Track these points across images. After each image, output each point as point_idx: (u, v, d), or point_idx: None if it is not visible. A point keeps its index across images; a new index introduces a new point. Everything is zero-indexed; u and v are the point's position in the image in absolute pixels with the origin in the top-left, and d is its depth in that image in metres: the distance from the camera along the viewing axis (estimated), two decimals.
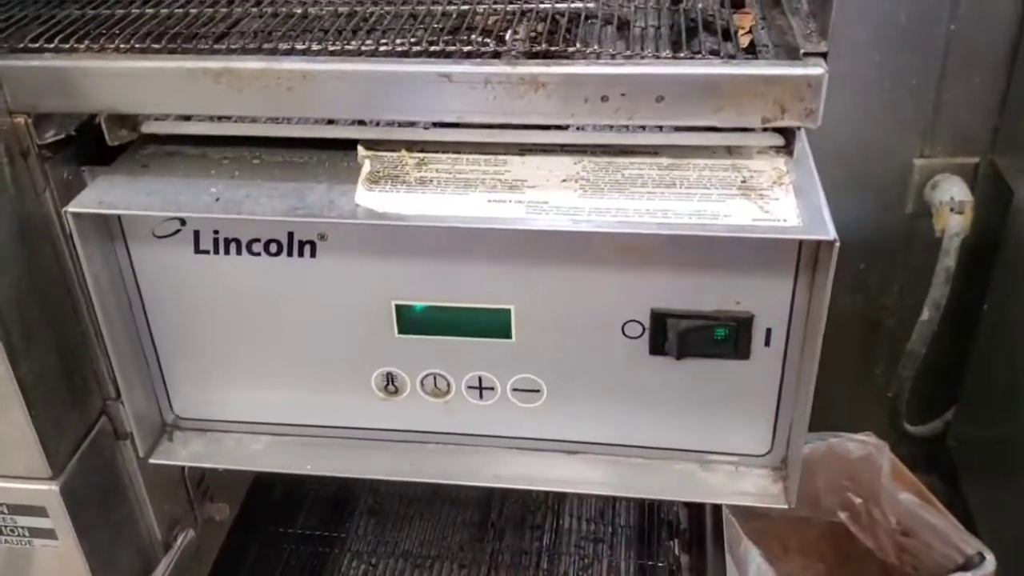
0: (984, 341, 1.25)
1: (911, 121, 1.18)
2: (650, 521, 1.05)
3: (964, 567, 1.09)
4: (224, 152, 0.65)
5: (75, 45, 0.62)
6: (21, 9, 0.69)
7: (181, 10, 0.68)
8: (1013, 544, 1.13)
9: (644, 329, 0.64)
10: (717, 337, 0.63)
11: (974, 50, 1.13)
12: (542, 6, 0.67)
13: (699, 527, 1.02)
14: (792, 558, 1.31)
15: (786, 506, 0.66)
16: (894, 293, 1.30)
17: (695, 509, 1.05)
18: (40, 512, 0.69)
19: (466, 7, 0.66)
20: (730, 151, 0.63)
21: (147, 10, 0.68)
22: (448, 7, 0.67)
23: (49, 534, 0.71)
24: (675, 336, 0.63)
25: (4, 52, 0.62)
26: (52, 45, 0.62)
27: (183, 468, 0.83)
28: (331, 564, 1.00)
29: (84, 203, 0.61)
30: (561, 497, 1.07)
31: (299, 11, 0.67)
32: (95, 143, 0.65)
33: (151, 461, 0.71)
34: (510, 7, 0.66)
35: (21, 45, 0.62)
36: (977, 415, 1.30)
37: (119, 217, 0.64)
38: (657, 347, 0.64)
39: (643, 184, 0.60)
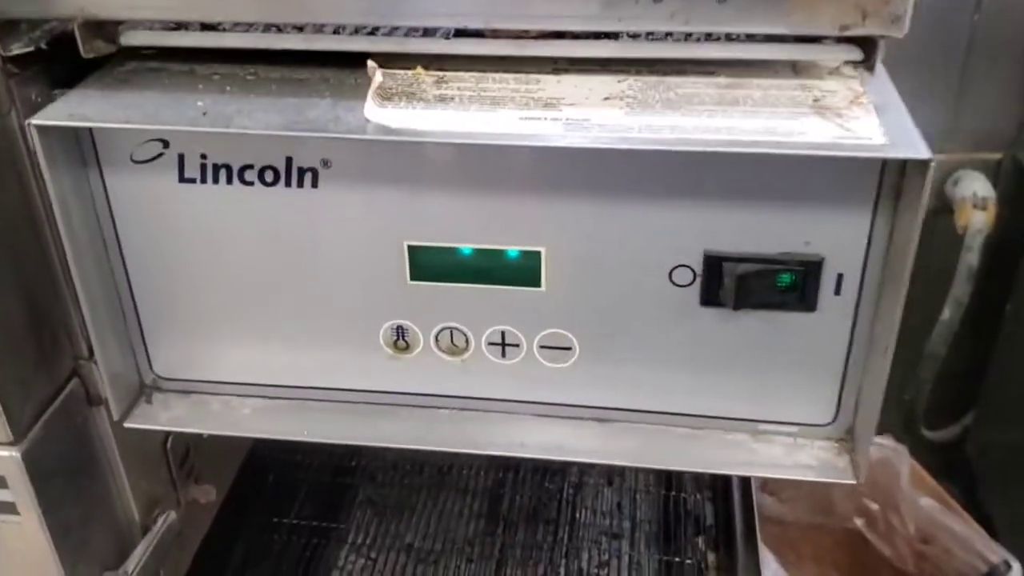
0: (1006, 343, 1.17)
1: (931, 116, 1.11)
2: (674, 515, 0.96)
3: None
4: (214, 68, 0.57)
5: None
6: None
7: None
8: None
9: (695, 275, 0.55)
10: (780, 284, 0.55)
11: (998, 42, 1.07)
12: None
13: (727, 522, 0.93)
14: (806, 566, 1.24)
15: (854, 481, 0.57)
16: (913, 292, 1.23)
17: (722, 503, 0.97)
18: None
19: None
20: (796, 69, 0.55)
21: None
22: None
23: (9, 508, 0.62)
24: (732, 283, 0.54)
25: None
26: None
27: (165, 441, 0.74)
28: (327, 557, 0.91)
29: (52, 115, 0.52)
30: (577, 488, 0.98)
31: None
32: (69, 63, 0.57)
33: (127, 425, 0.63)
34: None
35: None
36: (997, 420, 1.23)
37: (92, 138, 0.56)
38: (710, 296, 0.56)
39: (700, 102, 0.52)
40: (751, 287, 0.55)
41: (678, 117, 0.50)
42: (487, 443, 0.61)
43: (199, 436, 0.78)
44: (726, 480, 0.94)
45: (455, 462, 1.01)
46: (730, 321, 0.56)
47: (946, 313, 1.14)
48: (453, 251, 0.57)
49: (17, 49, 0.55)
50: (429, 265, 0.57)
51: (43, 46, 0.57)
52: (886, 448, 1.14)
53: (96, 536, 0.69)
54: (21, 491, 0.61)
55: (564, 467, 1.00)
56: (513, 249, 0.56)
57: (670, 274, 0.56)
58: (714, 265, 0.55)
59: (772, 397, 0.59)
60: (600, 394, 0.61)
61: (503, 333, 0.59)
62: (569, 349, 0.59)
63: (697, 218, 0.54)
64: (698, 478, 0.98)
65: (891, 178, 0.51)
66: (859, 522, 1.18)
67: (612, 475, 1.00)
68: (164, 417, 0.63)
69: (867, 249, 0.53)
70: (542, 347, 0.60)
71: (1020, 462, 1.15)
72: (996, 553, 1.03)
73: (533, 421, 0.62)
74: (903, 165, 0.50)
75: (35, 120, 0.52)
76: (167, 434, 0.76)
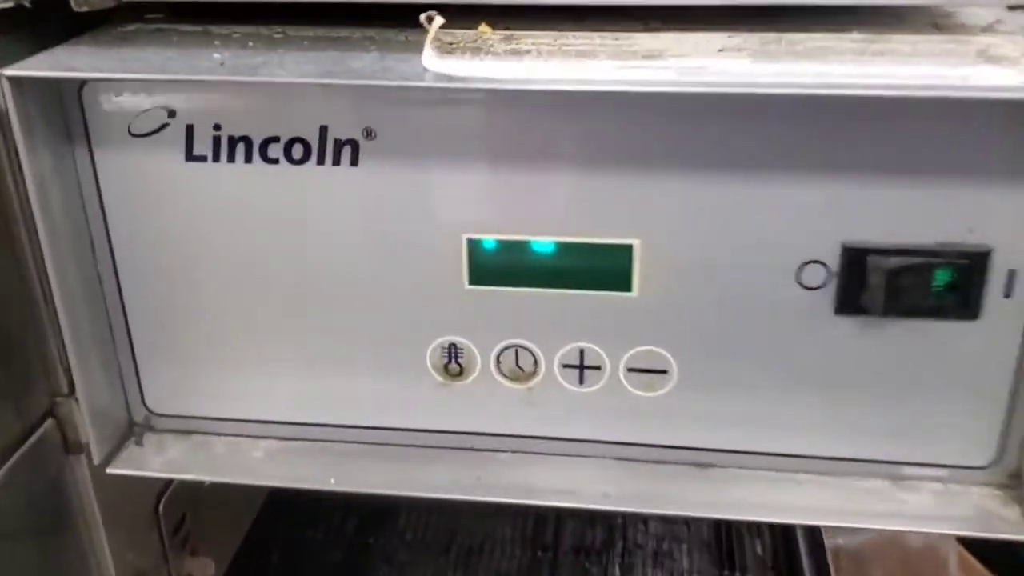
0: None
1: None
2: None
3: None
4: (233, 28, 0.47)
5: None
6: None
7: None
8: None
9: (830, 274, 0.44)
10: (936, 284, 0.43)
11: None
12: None
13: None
14: None
15: None
16: None
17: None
18: None
19: None
20: (939, 27, 0.45)
21: None
22: None
23: None
24: (879, 282, 0.43)
25: None
26: None
27: (157, 503, 0.62)
28: None
29: (31, 67, 0.42)
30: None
31: None
32: (60, 24, 0.47)
33: (110, 470, 0.51)
34: None
35: None
36: None
37: (81, 103, 0.45)
38: (848, 301, 0.44)
39: (837, 54, 0.41)
40: (901, 288, 0.43)
41: (817, 66, 0.40)
42: (559, 493, 0.49)
43: (197, 498, 0.66)
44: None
45: (486, 540, 0.87)
46: (872, 334, 0.45)
47: None
48: (523, 246, 0.46)
49: None
50: (492, 264, 0.46)
51: (26, 2, 0.47)
52: (931, 534, 1.01)
53: None
54: None
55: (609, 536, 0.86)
56: (599, 243, 0.45)
57: (798, 273, 0.45)
58: (856, 260, 0.44)
59: (919, 432, 0.47)
60: (702, 432, 0.49)
61: (582, 352, 0.48)
62: (665, 373, 0.48)
63: (833, 200, 0.43)
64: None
65: None
66: None
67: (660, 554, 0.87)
68: (157, 462, 0.51)
69: None
70: (631, 370, 0.48)
71: None
72: None
73: (617, 467, 0.50)
74: None
75: (7, 71, 0.41)
76: (160, 494, 0.63)
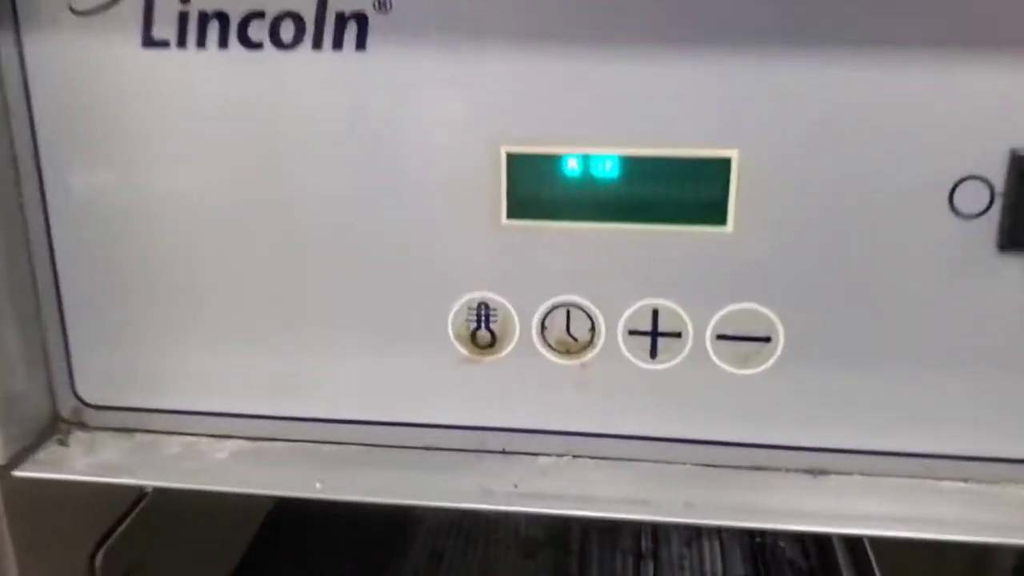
0: None
1: None
2: None
3: None
4: None
5: None
6: None
7: None
8: None
9: (994, 194, 0.33)
10: None
11: None
12: None
13: None
14: None
15: None
16: None
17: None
18: None
19: None
20: None
21: None
22: None
23: None
24: None
25: None
26: None
27: (95, 549, 0.48)
28: None
29: None
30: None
31: None
32: None
33: (17, 473, 0.38)
34: None
35: None
36: None
37: None
38: (1018, 233, 0.33)
39: None
40: None
41: None
42: (622, 503, 0.36)
43: (150, 553, 0.52)
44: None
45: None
46: None
47: None
48: (579, 162, 0.34)
49: None
50: (539, 188, 0.35)
51: None
52: None
53: None
54: None
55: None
56: (682, 156, 0.34)
57: (951, 195, 0.33)
58: None
59: None
60: (817, 426, 0.37)
61: (655, 312, 0.36)
62: (768, 340, 0.36)
63: (997, 91, 0.32)
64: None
65: None
66: None
67: None
68: (83, 464, 0.38)
69: None
70: (721, 337, 0.36)
71: None
72: None
73: (700, 473, 0.37)
74: None
75: None
76: (101, 540, 0.50)
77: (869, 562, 0.66)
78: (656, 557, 0.69)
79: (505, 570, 0.66)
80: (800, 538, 0.72)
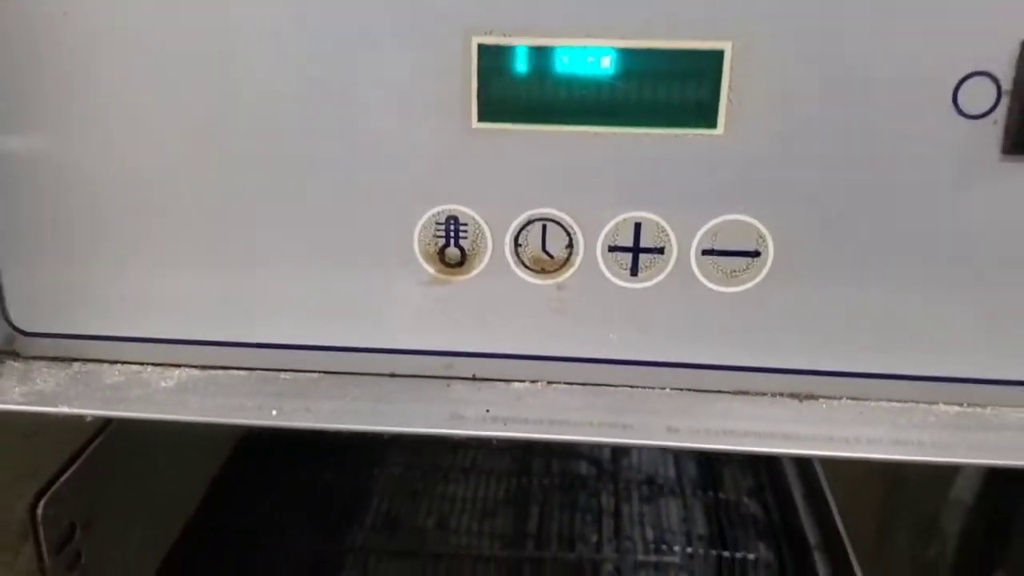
0: None
1: None
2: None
3: None
4: None
5: None
6: None
7: None
8: None
9: (1000, 92, 0.31)
10: None
11: None
12: None
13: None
14: None
15: None
16: None
17: None
18: None
19: None
20: None
21: None
22: None
23: None
24: None
25: None
26: None
27: (35, 502, 0.45)
28: None
29: None
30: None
31: None
32: None
33: None
34: None
35: None
36: None
37: None
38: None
39: None
40: None
41: None
42: (601, 428, 0.33)
43: (98, 503, 0.49)
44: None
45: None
46: None
47: None
48: (555, 55, 0.32)
49: None
50: (513, 87, 0.32)
51: None
52: None
53: None
54: None
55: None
56: (670, 48, 0.31)
57: (954, 93, 0.31)
58: None
59: None
60: (805, 347, 0.34)
61: (638, 226, 0.33)
62: (756, 255, 0.33)
63: None
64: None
65: None
66: None
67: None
68: (17, 392, 0.35)
69: None
70: (707, 252, 0.34)
71: None
72: None
73: (680, 398, 0.35)
74: None
75: None
76: (41, 491, 0.47)
77: (831, 514, 0.65)
78: (617, 514, 0.68)
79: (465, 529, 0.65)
80: (761, 495, 0.71)
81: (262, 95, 0.33)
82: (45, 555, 0.48)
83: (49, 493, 0.47)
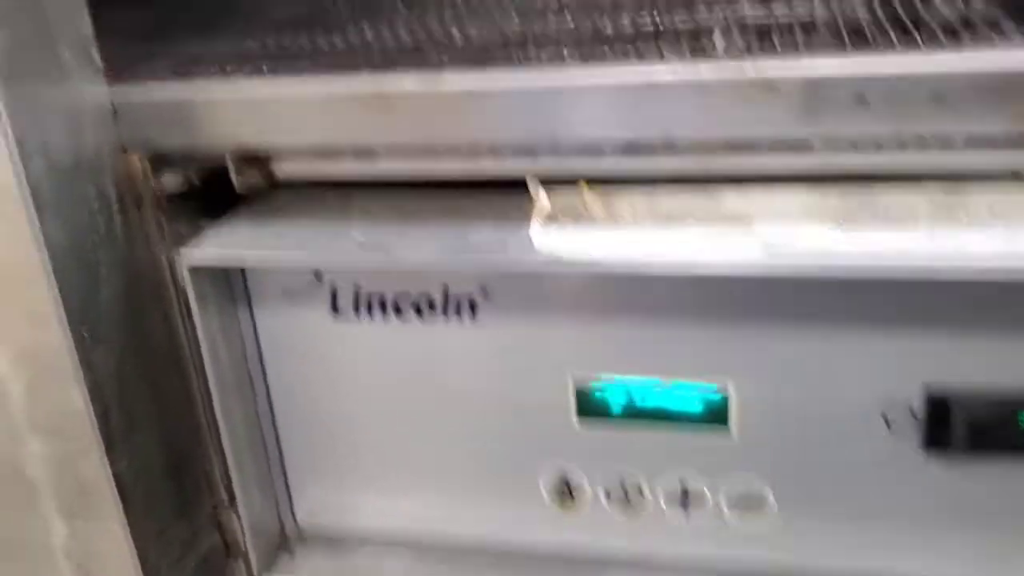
0: None
1: None
2: None
3: None
4: (369, 198, 0.54)
5: (195, 70, 0.53)
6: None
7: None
8: None
9: (915, 417, 0.47)
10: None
11: None
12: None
13: None
14: None
15: None
16: None
17: None
18: None
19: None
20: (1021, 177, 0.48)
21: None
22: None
23: None
24: (962, 426, 0.46)
25: (112, 79, 0.52)
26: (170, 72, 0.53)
27: None
28: None
29: (203, 256, 0.50)
30: None
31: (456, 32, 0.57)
32: (219, 199, 0.55)
33: None
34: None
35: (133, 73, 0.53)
36: None
37: (243, 272, 0.53)
38: (935, 440, 0.47)
39: (914, 217, 0.45)
40: (985, 430, 0.46)
41: (900, 236, 0.44)
42: None
43: None
44: None
45: None
46: (960, 474, 0.48)
47: None
48: (626, 387, 0.50)
49: (172, 188, 0.53)
50: (598, 404, 0.51)
51: (196, 182, 0.55)
52: None
53: None
54: None
55: None
56: (697, 384, 0.49)
57: (885, 416, 0.48)
58: (939, 406, 0.46)
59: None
60: (803, 559, 0.52)
61: (684, 484, 0.52)
62: (763, 505, 0.52)
63: (917, 348, 0.46)
64: None
65: None
66: None
67: None
68: (306, 573, 0.58)
69: None
70: (732, 502, 0.52)
71: None
72: None
73: None
74: None
75: (189, 261, 0.49)
76: None
77: None
78: None
79: None
80: None
81: (467, 412, 0.53)
82: None
83: None
